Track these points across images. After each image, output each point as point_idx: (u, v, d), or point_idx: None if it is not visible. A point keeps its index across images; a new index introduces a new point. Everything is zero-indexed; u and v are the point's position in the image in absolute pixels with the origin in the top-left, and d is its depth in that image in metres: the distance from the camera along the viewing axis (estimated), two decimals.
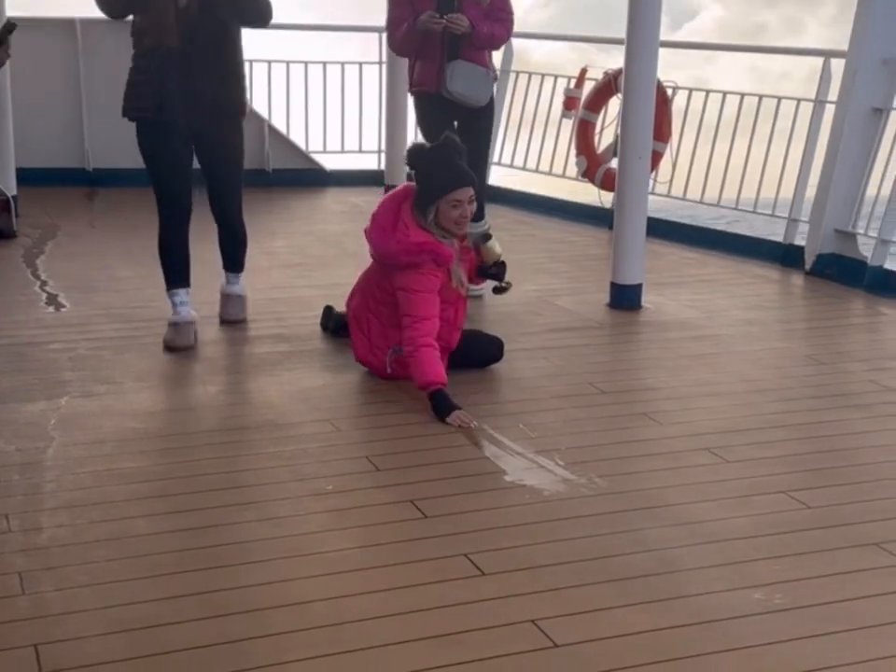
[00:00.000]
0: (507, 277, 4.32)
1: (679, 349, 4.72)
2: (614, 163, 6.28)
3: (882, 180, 6.07)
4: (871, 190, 6.12)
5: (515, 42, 8.36)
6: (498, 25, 5.47)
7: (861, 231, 6.12)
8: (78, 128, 8.28)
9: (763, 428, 3.80)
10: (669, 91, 7.16)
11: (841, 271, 6.05)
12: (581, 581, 2.75)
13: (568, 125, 7.80)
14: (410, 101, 6.18)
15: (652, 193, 6.55)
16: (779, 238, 6.60)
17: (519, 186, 8.35)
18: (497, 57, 6.02)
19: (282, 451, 3.54)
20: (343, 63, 8.86)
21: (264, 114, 8.62)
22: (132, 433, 3.69)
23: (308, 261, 6.26)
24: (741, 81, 6.50)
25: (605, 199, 7.34)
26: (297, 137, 8.82)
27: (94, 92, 8.05)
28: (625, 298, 5.36)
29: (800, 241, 6.43)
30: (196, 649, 2.44)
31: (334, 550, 2.91)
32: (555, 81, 8.10)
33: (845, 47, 6.13)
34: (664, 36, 5.34)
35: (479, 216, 5.78)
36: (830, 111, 6.30)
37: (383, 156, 8.67)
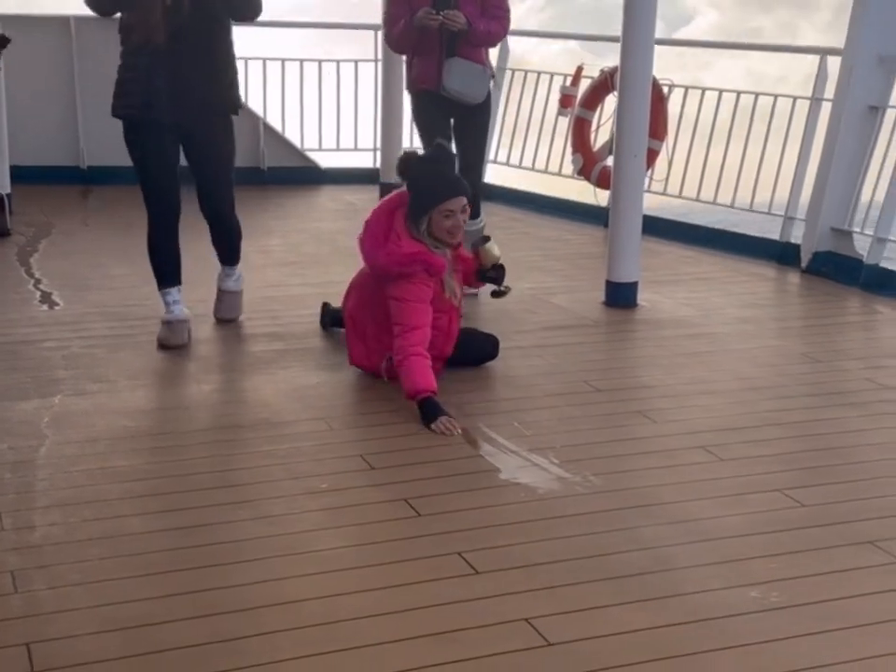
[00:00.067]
0: (505, 278, 4.28)
1: (675, 347, 4.71)
2: (610, 161, 6.28)
3: (878, 178, 6.07)
4: (867, 188, 6.12)
5: (512, 44, 8.36)
6: (495, 22, 5.46)
7: (858, 230, 6.12)
8: (73, 126, 8.26)
9: (758, 426, 3.80)
10: (665, 89, 7.15)
11: (837, 269, 6.04)
12: (576, 580, 2.74)
13: (564, 123, 7.79)
14: (405, 99, 6.18)
15: (648, 191, 6.55)
16: (776, 236, 6.60)
17: (514, 184, 8.34)
18: (492, 55, 6.00)
19: (276, 449, 3.53)
20: (338, 61, 8.84)
21: (259, 112, 8.60)
22: (125, 431, 3.67)
23: (303, 259, 6.25)
24: (737, 84, 6.55)
25: (601, 197, 7.33)
26: (292, 135, 8.80)
27: (89, 90, 8.02)
28: (621, 296, 5.36)
29: (796, 239, 6.42)
30: (189, 647, 2.43)
31: (328, 548, 2.90)
32: (551, 79, 8.09)
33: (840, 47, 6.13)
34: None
35: (475, 213, 5.78)
36: (826, 109, 6.30)
37: (378, 154, 8.66)
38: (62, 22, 8.18)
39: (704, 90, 7.29)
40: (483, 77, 5.53)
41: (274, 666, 2.38)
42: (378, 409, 3.90)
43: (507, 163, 8.41)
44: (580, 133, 7.54)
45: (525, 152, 8.27)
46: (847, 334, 5.21)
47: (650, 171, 6.95)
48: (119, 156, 4.49)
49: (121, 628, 2.50)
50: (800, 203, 6.52)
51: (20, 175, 7.26)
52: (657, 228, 6.72)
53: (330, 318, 4.74)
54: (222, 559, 2.83)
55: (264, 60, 8.62)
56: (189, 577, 2.74)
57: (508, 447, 3.57)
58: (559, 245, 6.84)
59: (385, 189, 7.21)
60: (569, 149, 7.71)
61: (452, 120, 5.63)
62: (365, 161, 8.95)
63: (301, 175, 8.66)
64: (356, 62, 8.86)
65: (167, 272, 4.65)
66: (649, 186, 6.84)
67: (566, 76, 7.82)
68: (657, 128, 6.65)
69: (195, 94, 4.35)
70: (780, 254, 6.45)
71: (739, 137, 7.03)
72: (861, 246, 6.05)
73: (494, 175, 8.34)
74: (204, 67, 4.35)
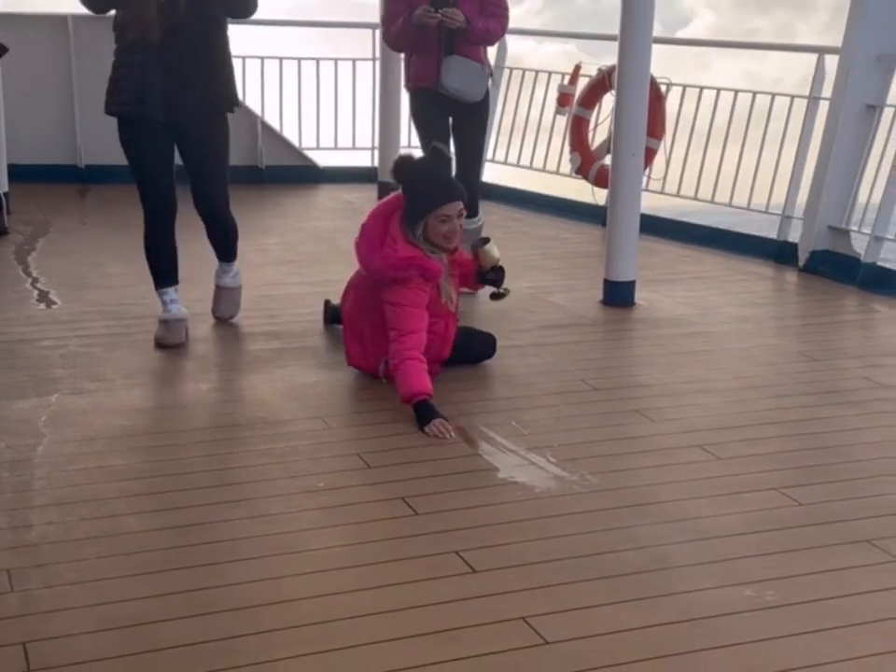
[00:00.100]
0: (504, 280, 4.23)
1: (672, 346, 4.71)
2: (608, 160, 6.28)
3: (876, 177, 6.06)
4: (864, 187, 6.12)
5: (510, 46, 8.36)
6: (493, 21, 5.46)
7: (855, 228, 6.12)
8: (70, 124, 8.26)
9: (755, 425, 3.80)
10: (663, 88, 7.15)
11: (834, 267, 6.05)
12: (573, 579, 2.74)
13: (562, 121, 7.79)
14: (403, 97, 6.17)
15: (646, 190, 6.55)
16: (773, 235, 6.61)
17: (512, 182, 8.34)
18: (490, 53, 6.00)
19: (273, 448, 3.53)
20: (336, 60, 8.84)
21: (257, 110, 8.60)
22: (122, 430, 3.67)
23: (301, 258, 6.25)
24: (734, 85, 6.58)
25: (598, 195, 7.33)
26: (290, 134, 8.80)
27: (86, 89, 8.01)
28: (619, 295, 5.36)
29: (794, 238, 6.43)
30: (186, 646, 2.43)
31: (325, 547, 2.90)
32: (549, 78, 8.09)
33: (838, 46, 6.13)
34: (655, 44, 5.33)
35: (473, 212, 5.79)
36: (824, 108, 6.30)
37: (376, 153, 8.65)
38: (59, 21, 8.18)
39: (701, 88, 7.29)
40: (481, 75, 5.53)
41: (271, 665, 2.38)
42: (375, 408, 3.90)
43: (505, 162, 8.41)
44: (577, 131, 7.54)
45: (523, 151, 8.27)
46: (845, 333, 5.21)
47: (647, 170, 6.95)
48: (116, 155, 4.48)
49: (118, 627, 2.50)
50: (797, 202, 6.52)
51: (17, 173, 7.27)
52: (655, 227, 6.73)
53: (332, 315, 4.74)
54: (219, 558, 2.83)
55: (262, 58, 8.61)
56: (186, 575, 2.74)
57: (505, 446, 3.57)
58: (557, 244, 6.84)
59: (384, 187, 7.22)
60: (567, 148, 7.71)
61: (450, 119, 5.63)
62: (363, 159, 8.95)
63: (299, 174, 8.66)
64: (354, 60, 8.86)
65: (164, 271, 4.64)
66: (646, 185, 6.84)
67: (563, 74, 7.82)
68: (655, 127, 6.65)
69: (190, 92, 4.33)
70: (778, 253, 6.45)
71: (737, 136, 7.03)
72: (859, 245, 6.05)
73: (492, 173, 8.33)
74: (200, 65, 4.33)
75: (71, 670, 2.35)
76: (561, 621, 2.55)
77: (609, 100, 7.08)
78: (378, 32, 7.95)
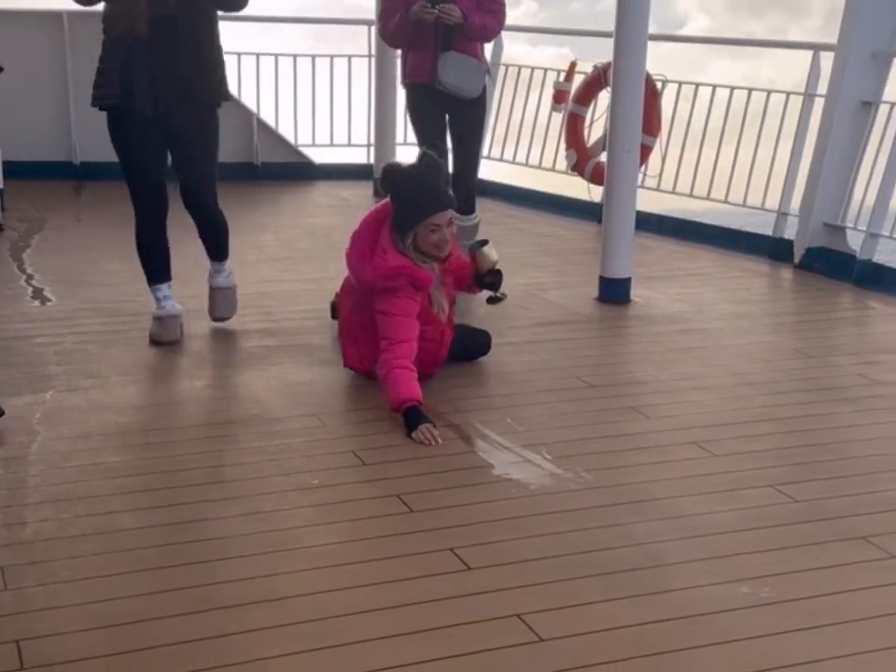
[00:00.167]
0: (502, 284, 4.16)
1: (668, 343, 4.71)
2: (604, 157, 6.27)
3: (871, 174, 6.06)
4: (860, 184, 6.12)
5: (505, 48, 8.36)
6: (490, 17, 5.46)
7: (851, 225, 6.12)
8: (66, 121, 8.24)
9: (750, 422, 3.80)
10: (659, 85, 7.15)
11: (830, 264, 6.05)
12: (567, 576, 2.74)
13: (558, 119, 7.78)
14: (399, 94, 6.16)
15: (642, 187, 6.55)
16: (769, 232, 6.60)
17: (509, 180, 8.33)
18: (486, 51, 5.99)
19: (268, 445, 3.52)
20: (331, 56, 8.83)
21: (253, 107, 8.58)
22: (117, 427, 3.67)
23: (296, 255, 6.24)
24: (729, 93, 6.61)
25: (594, 192, 7.33)
26: (285, 131, 8.79)
27: (82, 85, 7.93)
28: (614, 292, 5.35)
29: (789, 235, 6.43)
30: (179, 644, 2.43)
31: (319, 544, 2.89)
32: (545, 75, 8.09)
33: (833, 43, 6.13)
34: (651, 45, 5.32)
35: (470, 209, 5.79)
36: (819, 105, 6.30)
37: (372, 150, 8.65)
38: (54, 17, 8.16)
39: (697, 85, 7.28)
40: (478, 71, 5.52)
41: (265, 663, 2.37)
42: (370, 405, 3.89)
43: (500, 159, 8.40)
44: (573, 128, 7.53)
45: (519, 148, 8.26)
46: (840, 330, 5.21)
47: (643, 167, 6.95)
48: (111, 151, 4.47)
49: (111, 625, 2.49)
50: (793, 199, 6.52)
51: (12, 170, 7.25)
52: (650, 224, 6.73)
53: (336, 312, 4.70)
54: (213, 555, 2.83)
55: (257, 55, 8.60)
56: (180, 573, 2.73)
57: (500, 443, 3.57)
58: (553, 241, 6.84)
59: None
60: (563, 145, 7.70)
61: (447, 116, 5.62)
62: (359, 156, 8.94)
63: (295, 171, 8.64)
64: (349, 57, 8.84)
65: (156, 268, 4.62)
66: (642, 182, 6.84)
67: (559, 71, 7.82)
68: (651, 124, 6.65)
69: (178, 86, 4.29)
70: (773, 250, 6.45)
71: (732, 133, 7.03)
72: (854, 242, 6.06)
73: (488, 170, 8.33)
74: (188, 59, 4.28)
75: (64, 668, 2.35)
76: (556, 618, 2.55)
77: (604, 97, 7.09)
78: (374, 28, 7.96)
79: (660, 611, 2.58)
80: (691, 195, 7.26)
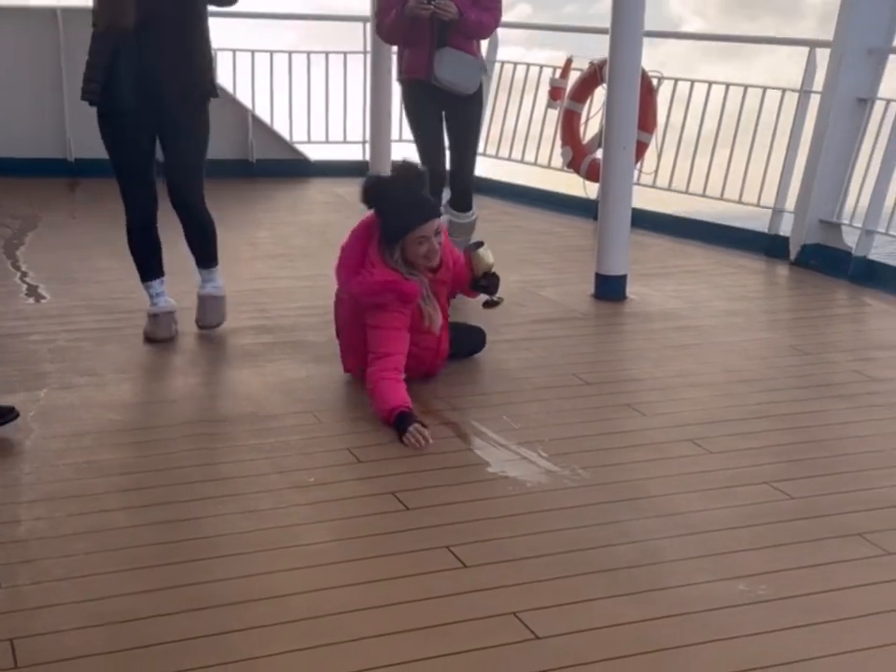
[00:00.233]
0: (498, 288, 4.13)
1: (664, 340, 4.71)
2: (599, 154, 6.27)
3: (867, 170, 6.07)
4: (855, 181, 6.12)
5: (501, 49, 8.34)
6: (486, 14, 5.44)
7: (846, 222, 6.12)
8: (60, 118, 8.20)
9: (746, 419, 3.79)
10: (654, 82, 7.14)
11: (825, 261, 6.05)
12: (564, 573, 2.73)
13: (554, 115, 7.77)
14: (395, 91, 6.14)
15: (637, 184, 6.54)
16: (764, 229, 6.60)
17: (505, 177, 8.32)
18: (482, 47, 5.98)
19: (263, 443, 3.51)
20: (327, 53, 8.80)
21: (248, 104, 8.56)
22: (111, 425, 3.66)
23: (291, 252, 6.23)
24: (725, 90, 6.62)
25: (590, 189, 7.32)
26: (281, 127, 8.76)
27: (76, 82, 7.81)
28: (610, 289, 5.35)
29: (785, 231, 6.42)
30: (175, 642, 2.42)
31: (315, 542, 2.89)
32: (541, 71, 8.08)
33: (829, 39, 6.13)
34: (645, 47, 5.31)
35: (467, 206, 5.77)
36: (815, 101, 6.29)
37: (367, 146, 8.63)
38: (48, 14, 8.12)
39: (693, 82, 7.27)
40: (474, 67, 5.50)
41: (261, 661, 2.36)
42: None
43: (496, 156, 8.39)
44: (569, 125, 7.52)
45: (515, 145, 8.25)
46: (836, 326, 5.21)
47: (639, 163, 6.94)
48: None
49: (106, 623, 2.49)
50: (789, 196, 6.52)
51: (6, 167, 7.25)
52: (646, 220, 6.71)
53: None
54: (208, 553, 2.82)
55: (252, 52, 8.56)
56: (175, 571, 2.72)
57: (496, 440, 3.56)
58: (549, 238, 6.83)
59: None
60: (559, 142, 7.70)
61: (443, 112, 5.61)
62: (354, 153, 8.91)
63: (290, 168, 8.62)
64: (345, 53, 8.82)
65: (148, 266, 4.60)
66: (638, 178, 6.83)
67: (555, 68, 7.81)
68: (646, 120, 6.64)
69: (164, 81, 4.24)
70: (769, 246, 6.45)
71: (728, 130, 7.02)
72: (850, 239, 6.06)
73: (484, 167, 8.31)
74: (176, 54, 4.23)
75: (59, 667, 2.34)
76: (552, 615, 2.54)
77: (600, 93, 7.07)
78: (369, 25, 7.95)
79: (656, 609, 2.58)
80: (686, 192, 7.25)
